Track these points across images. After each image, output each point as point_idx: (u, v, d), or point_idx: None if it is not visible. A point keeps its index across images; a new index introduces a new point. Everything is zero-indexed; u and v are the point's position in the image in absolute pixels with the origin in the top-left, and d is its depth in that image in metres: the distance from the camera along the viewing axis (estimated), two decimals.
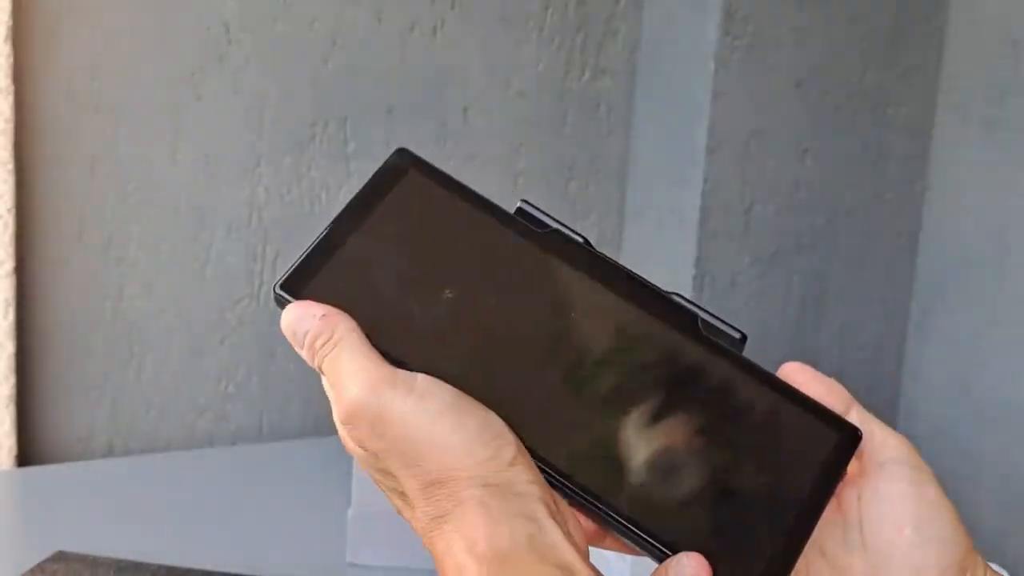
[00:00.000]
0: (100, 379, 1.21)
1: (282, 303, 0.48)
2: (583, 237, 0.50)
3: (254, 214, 1.25)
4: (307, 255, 0.48)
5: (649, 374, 0.46)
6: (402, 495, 0.43)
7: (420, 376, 0.43)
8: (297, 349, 0.47)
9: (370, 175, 0.50)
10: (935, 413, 1.50)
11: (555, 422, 0.45)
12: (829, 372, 1.48)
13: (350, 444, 0.45)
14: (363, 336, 0.45)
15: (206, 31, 1.19)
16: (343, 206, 0.49)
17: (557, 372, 0.46)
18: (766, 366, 0.48)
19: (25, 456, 1.16)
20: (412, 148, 0.51)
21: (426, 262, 0.48)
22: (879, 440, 0.46)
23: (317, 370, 0.46)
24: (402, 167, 0.50)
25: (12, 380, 1.12)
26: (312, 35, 1.24)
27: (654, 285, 0.48)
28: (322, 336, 0.45)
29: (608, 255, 0.50)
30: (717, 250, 1.37)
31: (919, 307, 1.52)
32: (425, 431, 0.42)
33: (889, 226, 1.49)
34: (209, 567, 0.91)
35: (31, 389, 1.17)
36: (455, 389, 0.43)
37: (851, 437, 0.46)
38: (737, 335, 0.47)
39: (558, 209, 1.49)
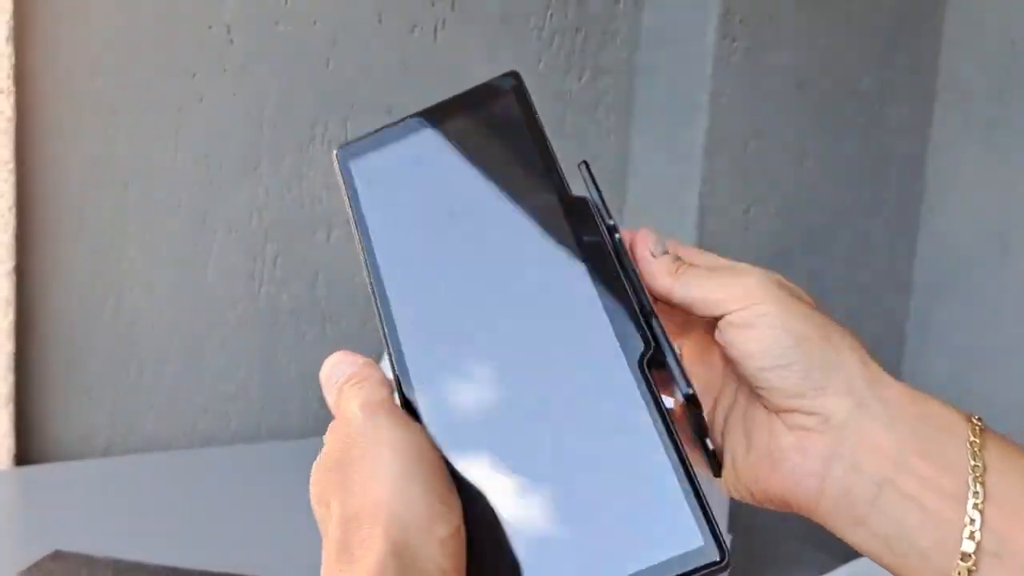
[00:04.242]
0: (100, 379, 1.21)
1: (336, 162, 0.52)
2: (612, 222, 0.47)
3: (254, 214, 1.25)
4: (376, 133, 0.51)
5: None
6: (325, 524, 0.42)
7: (420, 427, 0.42)
8: (327, 391, 0.46)
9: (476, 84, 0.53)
10: None
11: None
12: None
13: (317, 480, 0.43)
14: (390, 388, 0.44)
15: (207, 32, 1.19)
16: (440, 101, 0.52)
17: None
18: None
19: (24, 455, 1.16)
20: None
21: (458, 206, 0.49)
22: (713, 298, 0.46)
23: (334, 411, 0.45)
24: (503, 88, 0.52)
25: (11, 379, 1.12)
26: (313, 36, 1.24)
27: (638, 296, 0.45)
28: (355, 377, 0.45)
29: (620, 249, 0.46)
30: (715, 250, 1.36)
31: (918, 307, 1.52)
32: (384, 464, 0.40)
33: (889, 226, 1.49)
34: (208, 567, 0.91)
35: (30, 388, 1.17)
36: (439, 457, 0.41)
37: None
38: (686, 391, 0.43)
39: None
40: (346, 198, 0.51)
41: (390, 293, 0.48)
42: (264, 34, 1.22)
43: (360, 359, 0.46)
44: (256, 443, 1.29)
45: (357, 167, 0.51)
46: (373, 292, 0.48)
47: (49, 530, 0.97)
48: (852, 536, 0.44)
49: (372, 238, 0.49)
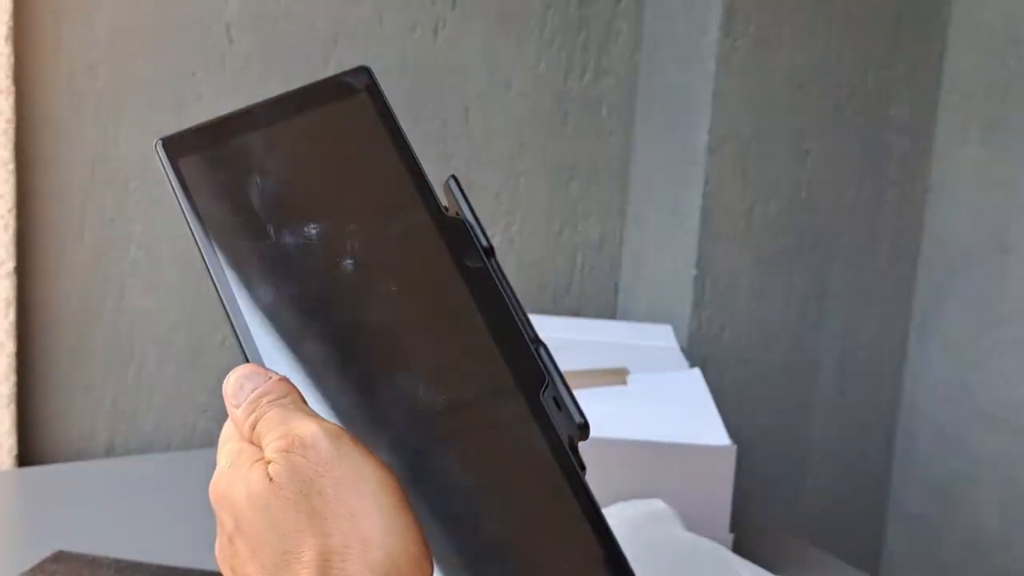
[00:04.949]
0: (100, 379, 1.21)
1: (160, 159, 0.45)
2: (487, 241, 0.44)
3: None
4: (208, 125, 0.46)
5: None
6: (283, 560, 0.39)
7: (379, 458, 0.41)
8: (231, 403, 0.43)
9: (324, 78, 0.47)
10: (936, 413, 1.50)
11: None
12: (829, 372, 1.49)
13: (253, 477, 0.40)
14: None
15: (207, 31, 1.19)
16: (277, 94, 0.46)
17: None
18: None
19: (25, 456, 1.16)
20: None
21: (314, 199, 0.44)
22: None
23: (245, 426, 0.43)
24: (355, 86, 0.46)
25: (12, 379, 1.12)
26: (313, 35, 1.24)
27: (523, 328, 0.42)
28: (272, 394, 0.42)
29: (499, 274, 0.44)
30: (717, 250, 1.37)
31: (919, 307, 1.52)
32: (367, 494, 0.39)
33: (889, 226, 1.49)
34: (208, 567, 0.91)
35: (31, 388, 1.17)
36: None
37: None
38: (580, 420, 0.41)
39: (559, 209, 1.48)
40: (179, 200, 0.45)
41: (255, 335, 0.44)
42: (264, 33, 1.21)
43: (274, 374, 0.43)
44: None
45: (187, 163, 0.45)
46: (235, 334, 0.44)
47: (51, 531, 0.97)
48: None
49: (220, 260, 0.44)
